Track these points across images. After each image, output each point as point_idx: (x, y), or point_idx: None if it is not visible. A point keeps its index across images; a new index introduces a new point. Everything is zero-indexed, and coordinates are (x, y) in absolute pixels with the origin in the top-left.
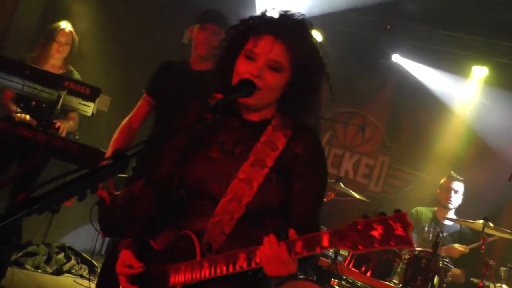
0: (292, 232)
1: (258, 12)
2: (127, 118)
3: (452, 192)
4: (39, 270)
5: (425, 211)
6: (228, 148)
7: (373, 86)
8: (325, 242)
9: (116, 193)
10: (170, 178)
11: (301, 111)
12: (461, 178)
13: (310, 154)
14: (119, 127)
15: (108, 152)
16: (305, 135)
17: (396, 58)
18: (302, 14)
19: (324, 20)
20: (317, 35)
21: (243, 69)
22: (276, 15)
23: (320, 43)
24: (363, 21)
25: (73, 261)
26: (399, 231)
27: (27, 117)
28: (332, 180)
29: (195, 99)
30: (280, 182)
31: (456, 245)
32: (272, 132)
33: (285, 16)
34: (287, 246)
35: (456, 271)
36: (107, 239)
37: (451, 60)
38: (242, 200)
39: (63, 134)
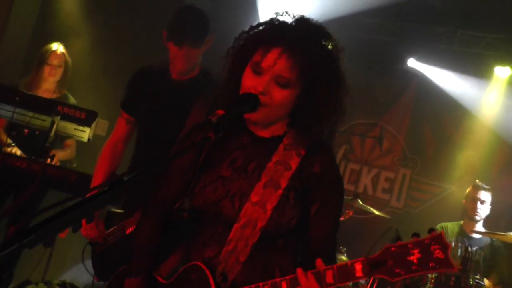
0: (319, 262)
1: (260, 17)
2: (108, 141)
3: (478, 202)
4: None
5: (451, 226)
6: (239, 165)
7: (390, 94)
8: (359, 272)
9: (108, 231)
10: (172, 203)
11: (314, 126)
12: (488, 187)
13: (328, 174)
14: (102, 152)
15: (94, 180)
16: (321, 152)
17: (412, 63)
18: (317, 21)
19: (331, 26)
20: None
21: (248, 84)
22: (287, 21)
23: (341, 49)
24: (374, 24)
25: None
26: (438, 254)
27: (18, 152)
28: (349, 197)
29: (175, 111)
30: (297, 201)
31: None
32: (284, 152)
33: (297, 24)
34: (315, 277)
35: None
36: None
37: (472, 62)
38: (256, 225)
39: (57, 163)
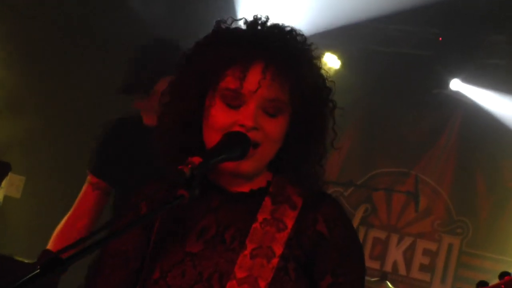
0: None
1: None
2: (67, 215)
3: None
4: None
5: None
6: (213, 235)
7: (426, 131)
8: None
9: None
10: None
11: (307, 158)
12: None
13: (338, 231)
14: (56, 230)
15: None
16: (323, 203)
17: (457, 85)
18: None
19: (341, 37)
20: (331, 60)
21: (226, 120)
22: (251, 26)
23: (322, 65)
24: (400, 33)
25: None
26: None
27: None
28: (374, 279)
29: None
30: (300, 274)
31: None
32: (272, 206)
33: (272, 29)
34: None
35: None
36: None
37: None
38: None
39: None
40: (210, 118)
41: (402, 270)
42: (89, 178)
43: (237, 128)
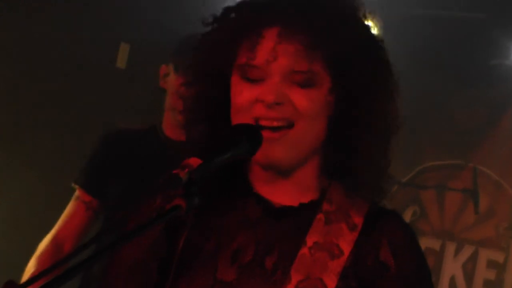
0: None
1: None
2: (50, 235)
3: None
4: None
5: None
6: (249, 260)
7: (485, 112)
8: None
9: None
10: None
11: (361, 163)
12: None
13: (407, 263)
14: (38, 251)
15: None
16: (387, 222)
17: None
18: None
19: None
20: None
21: (247, 97)
22: None
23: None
24: None
25: None
26: None
27: None
28: None
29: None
30: None
31: None
32: (325, 226)
33: None
34: None
35: None
36: None
37: None
38: None
39: None
40: (232, 100)
41: (461, 287)
42: (78, 194)
43: (258, 105)
